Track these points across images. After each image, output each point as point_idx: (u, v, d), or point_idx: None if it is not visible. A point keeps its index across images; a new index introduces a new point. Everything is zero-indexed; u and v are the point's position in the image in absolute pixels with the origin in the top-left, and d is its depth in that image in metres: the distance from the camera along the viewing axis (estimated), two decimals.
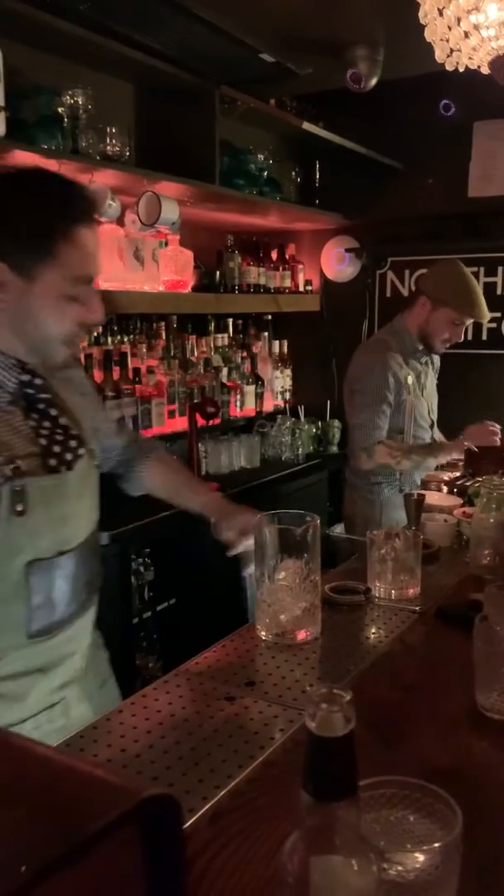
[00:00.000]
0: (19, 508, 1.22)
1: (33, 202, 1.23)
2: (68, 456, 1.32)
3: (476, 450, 2.66)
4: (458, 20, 1.43)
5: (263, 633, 1.40)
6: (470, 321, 2.96)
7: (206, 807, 0.93)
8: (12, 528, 1.22)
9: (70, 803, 0.38)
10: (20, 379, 1.29)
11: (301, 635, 1.39)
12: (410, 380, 2.87)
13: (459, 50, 1.51)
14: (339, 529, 3.69)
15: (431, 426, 3.12)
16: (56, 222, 1.21)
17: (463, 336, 2.98)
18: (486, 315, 2.94)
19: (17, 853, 0.34)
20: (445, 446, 2.88)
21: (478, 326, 3.99)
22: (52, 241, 1.21)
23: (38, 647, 1.28)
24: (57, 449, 1.30)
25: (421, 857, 0.70)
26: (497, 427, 2.89)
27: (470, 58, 1.52)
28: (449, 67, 1.57)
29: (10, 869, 0.32)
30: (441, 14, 1.45)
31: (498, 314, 3.95)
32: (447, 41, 1.50)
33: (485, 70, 1.56)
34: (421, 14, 1.48)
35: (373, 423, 2.81)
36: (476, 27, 1.43)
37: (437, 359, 3.15)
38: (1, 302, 1.23)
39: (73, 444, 1.33)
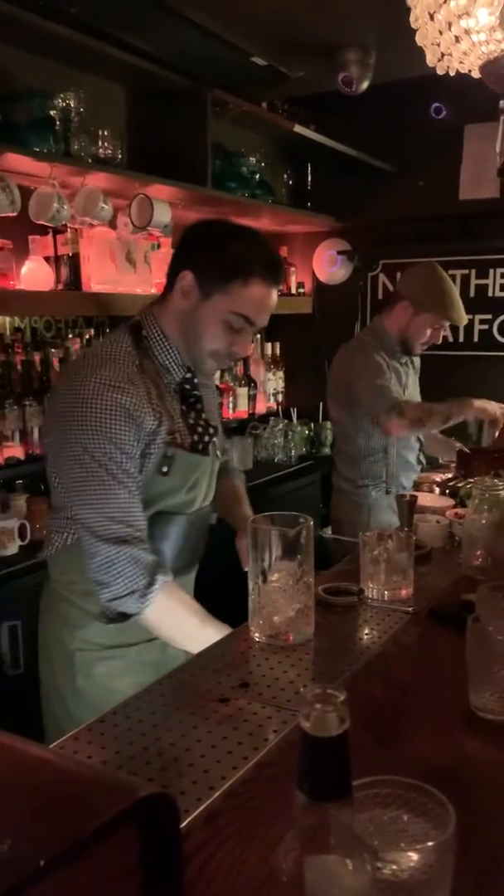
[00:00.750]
0: (164, 470, 1.52)
1: (238, 245, 1.53)
2: (205, 441, 1.62)
3: (468, 451, 2.67)
4: (449, 25, 1.44)
5: (257, 634, 1.41)
6: (448, 324, 2.95)
7: (201, 808, 0.93)
8: (154, 484, 1.52)
9: (68, 803, 0.38)
10: (185, 376, 1.61)
11: (293, 636, 1.39)
12: (393, 381, 2.87)
13: (450, 54, 1.52)
14: (331, 531, 3.70)
15: (419, 446, 3.11)
16: (242, 267, 1.49)
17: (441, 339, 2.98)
18: (465, 318, 2.95)
19: (15, 852, 0.34)
20: (456, 403, 2.80)
21: (469, 328, 4.02)
22: (231, 278, 1.50)
23: None
24: (196, 436, 1.60)
25: (415, 857, 0.71)
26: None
27: (461, 62, 1.53)
28: (440, 71, 1.58)
29: (10, 867, 0.32)
30: (432, 18, 1.46)
31: (489, 316, 3.98)
32: (438, 45, 1.51)
33: (475, 74, 1.57)
34: (412, 18, 1.49)
35: (389, 387, 2.78)
36: (467, 32, 1.44)
37: (416, 359, 3.13)
38: (180, 305, 1.54)
39: (207, 437, 1.63)
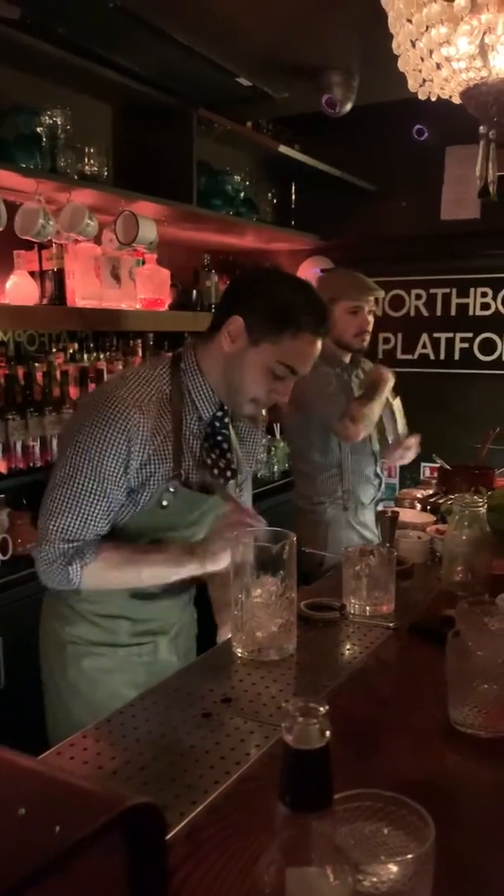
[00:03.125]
0: (164, 504, 1.54)
1: (291, 296, 1.55)
2: (218, 481, 1.62)
3: (449, 468, 2.69)
4: (430, 52, 1.47)
5: (240, 649, 1.41)
6: (368, 305, 2.88)
7: (183, 822, 0.94)
8: (152, 516, 1.55)
9: (55, 812, 0.39)
10: (215, 414, 1.61)
11: (275, 652, 1.40)
12: (341, 390, 2.85)
13: (432, 80, 1.55)
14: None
15: (374, 460, 3.03)
16: (295, 318, 1.51)
17: (371, 323, 2.92)
18: (377, 289, 2.92)
19: (2, 861, 0.35)
20: (368, 379, 2.88)
21: (450, 346, 4.07)
22: (283, 329, 1.51)
23: (135, 603, 1.60)
24: (216, 472, 1.61)
25: (395, 869, 0.72)
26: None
27: (442, 88, 1.57)
28: (422, 96, 1.61)
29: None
30: (414, 46, 1.49)
31: (470, 334, 4.03)
32: (420, 71, 1.55)
33: (456, 100, 1.61)
34: (394, 45, 1.53)
35: (337, 395, 2.77)
36: (447, 59, 1.47)
37: (366, 366, 3.06)
38: (226, 347, 1.54)
39: (226, 476, 1.64)
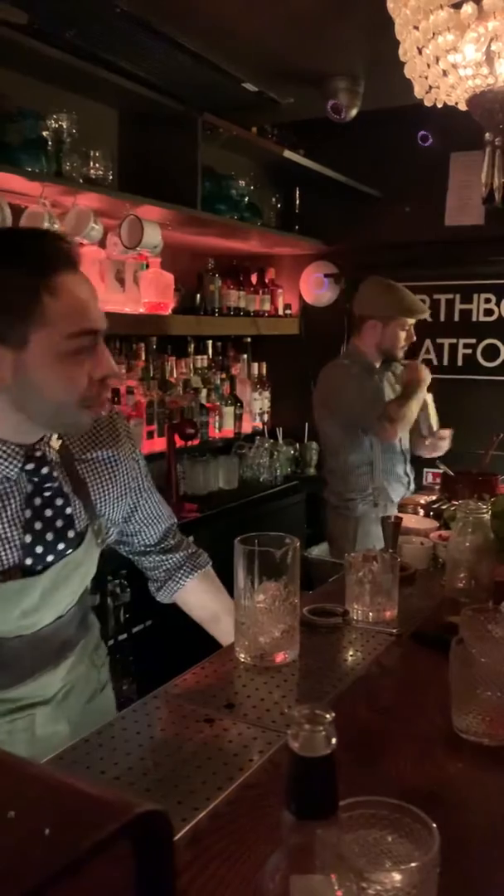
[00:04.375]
0: None
1: (14, 259, 1.12)
2: (49, 557, 1.26)
3: (452, 474, 2.69)
4: (437, 59, 1.47)
5: (242, 655, 1.41)
6: (414, 321, 3.15)
7: (186, 829, 0.93)
8: None
9: (64, 818, 0.39)
10: (24, 468, 1.21)
11: (279, 658, 1.40)
12: (374, 394, 3.03)
13: (438, 87, 1.56)
14: (316, 552, 3.71)
15: (405, 459, 3.18)
16: (31, 286, 1.10)
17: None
18: (426, 310, 3.25)
19: (12, 868, 0.34)
20: (403, 377, 3.08)
21: (454, 352, 4.07)
22: (30, 304, 1.09)
23: None
24: (39, 549, 1.24)
25: (399, 877, 0.71)
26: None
27: (448, 95, 1.57)
28: (427, 103, 1.61)
29: (8, 883, 0.33)
30: (420, 53, 1.49)
31: (473, 340, 4.03)
32: (426, 78, 1.55)
33: (462, 107, 1.61)
34: (401, 52, 1.53)
35: (372, 398, 2.96)
36: (454, 66, 1.47)
37: (396, 369, 3.26)
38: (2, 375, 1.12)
39: (64, 541, 1.27)
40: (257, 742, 1.14)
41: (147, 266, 3.25)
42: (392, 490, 3.07)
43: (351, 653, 1.48)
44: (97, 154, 2.84)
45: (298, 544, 1.41)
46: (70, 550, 1.29)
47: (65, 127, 2.70)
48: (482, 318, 4.00)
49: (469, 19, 1.38)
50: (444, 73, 1.51)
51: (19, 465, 1.21)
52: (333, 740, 0.60)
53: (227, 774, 1.05)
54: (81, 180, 2.75)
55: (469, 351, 4.05)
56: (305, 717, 0.61)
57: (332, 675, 1.37)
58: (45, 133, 2.67)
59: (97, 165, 2.84)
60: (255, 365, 4.32)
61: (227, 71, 3.07)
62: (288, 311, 4.40)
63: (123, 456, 1.43)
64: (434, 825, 0.73)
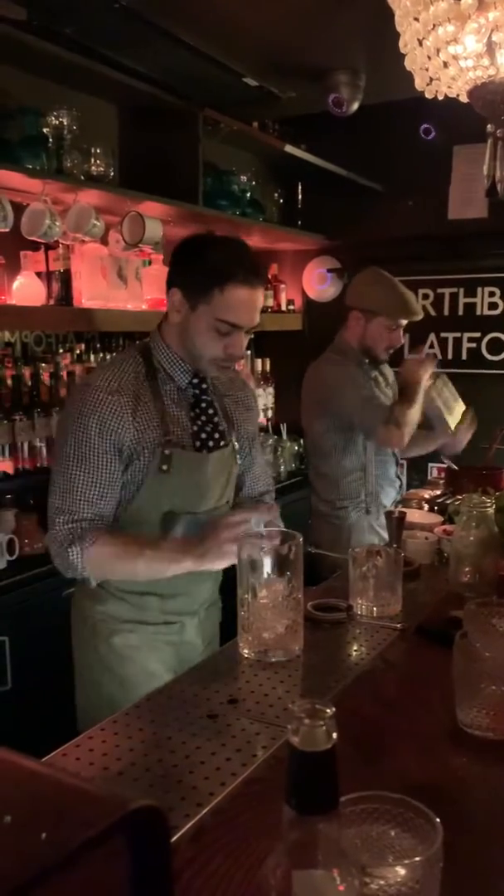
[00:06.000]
0: (164, 468, 1.61)
1: (213, 254, 1.63)
2: (210, 444, 1.71)
3: (456, 468, 2.68)
4: (438, 51, 1.46)
5: (246, 650, 1.41)
6: (405, 322, 2.87)
7: (189, 824, 0.93)
8: (158, 483, 1.62)
9: (58, 815, 0.38)
10: (191, 381, 1.72)
11: (282, 653, 1.39)
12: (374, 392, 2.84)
13: (439, 79, 1.54)
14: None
15: (396, 461, 3.00)
16: (219, 275, 1.58)
17: (402, 339, 2.91)
18: (419, 312, 2.89)
19: (5, 864, 0.34)
20: (401, 379, 2.81)
21: (458, 346, 4.06)
22: (210, 288, 1.59)
23: (160, 579, 1.61)
24: (203, 436, 1.71)
25: (402, 872, 0.71)
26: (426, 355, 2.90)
27: (449, 86, 1.55)
28: (429, 95, 1.60)
29: (0, 880, 0.33)
30: (420, 44, 1.48)
31: (478, 334, 4.02)
32: (427, 70, 1.54)
33: (463, 98, 1.60)
34: (401, 44, 1.52)
35: (376, 398, 2.75)
36: (455, 57, 1.46)
37: (389, 372, 3.05)
38: (176, 319, 1.66)
39: (216, 436, 1.73)
40: (261, 737, 1.14)
41: (149, 263, 3.24)
42: (384, 495, 2.88)
43: (355, 648, 1.47)
44: (98, 151, 2.84)
45: (301, 540, 1.41)
46: (223, 443, 1.74)
47: (65, 123, 2.69)
48: (486, 312, 3.98)
49: (469, 10, 1.37)
50: (445, 64, 1.50)
51: (188, 377, 1.71)
52: (334, 735, 0.60)
53: (230, 770, 1.05)
54: (82, 177, 2.74)
55: (473, 345, 4.03)
56: (306, 712, 0.61)
57: (336, 671, 1.36)
58: (45, 130, 2.66)
59: (98, 162, 2.83)
60: (259, 361, 4.31)
61: (228, 65, 3.06)
62: (291, 307, 4.39)
63: (250, 397, 1.94)
64: (437, 820, 0.73)
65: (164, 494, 1.64)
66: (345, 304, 2.96)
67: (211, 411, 1.76)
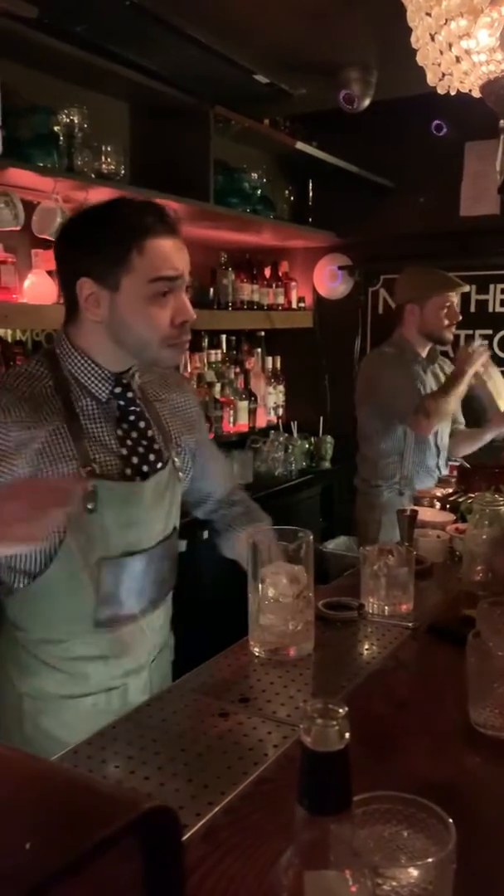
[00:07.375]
0: (90, 506, 1.33)
1: (112, 223, 1.35)
2: (145, 468, 1.44)
3: (469, 466, 2.68)
4: (450, 45, 1.45)
5: (257, 649, 1.40)
6: (456, 297, 3.10)
7: (200, 823, 0.93)
8: (85, 523, 1.33)
9: (71, 816, 0.38)
10: (113, 391, 1.42)
11: (293, 651, 1.39)
12: (415, 385, 3.01)
13: (451, 74, 1.54)
14: (332, 545, 3.70)
15: (438, 453, 3.15)
16: (124, 241, 1.32)
17: (458, 311, 3.11)
18: (464, 284, 3.13)
19: (20, 864, 0.34)
20: (451, 376, 2.97)
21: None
22: (124, 257, 1.32)
23: (103, 635, 1.40)
24: (135, 460, 1.43)
25: (415, 873, 0.71)
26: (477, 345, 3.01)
27: (461, 82, 1.55)
28: (441, 91, 1.60)
29: (15, 879, 0.32)
30: (433, 39, 1.48)
31: (490, 331, 4.00)
32: (439, 65, 1.53)
33: (476, 93, 1.59)
34: (413, 39, 1.51)
35: (410, 388, 2.94)
36: (467, 52, 1.45)
37: (445, 366, 3.22)
38: (97, 316, 1.36)
39: (152, 457, 1.45)
40: (272, 736, 1.14)
41: None
42: (420, 482, 3.05)
43: (366, 647, 1.47)
44: (109, 149, 2.84)
45: (312, 538, 1.41)
46: (160, 465, 1.46)
47: (76, 122, 2.70)
48: (499, 309, 3.96)
49: (482, 4, 1.36)
50: (458, 59, 1.49)
51: (109, 387, 1.41)
52: (347, 735, 0.60)
53: (241, 769, 1.05)
54: (93, 175, 2.74)
55: (485, 342, 4.01)
56: (318, 712, 0.60)
57: (348, 669, 1.36)
58: (56, 128, 2.66)
59: (109, 160, 2.83)
60: (270, 359, 4.31)
61: (238, 63, 3.05)
62: (302, 305, 4.38)
63: (189, 402, 1.63)
64: (450, 820, 0.72)
65: (94, 538, 1.35)
66: (397, 305, 3.20)
67: (142, 424, 1.46)
